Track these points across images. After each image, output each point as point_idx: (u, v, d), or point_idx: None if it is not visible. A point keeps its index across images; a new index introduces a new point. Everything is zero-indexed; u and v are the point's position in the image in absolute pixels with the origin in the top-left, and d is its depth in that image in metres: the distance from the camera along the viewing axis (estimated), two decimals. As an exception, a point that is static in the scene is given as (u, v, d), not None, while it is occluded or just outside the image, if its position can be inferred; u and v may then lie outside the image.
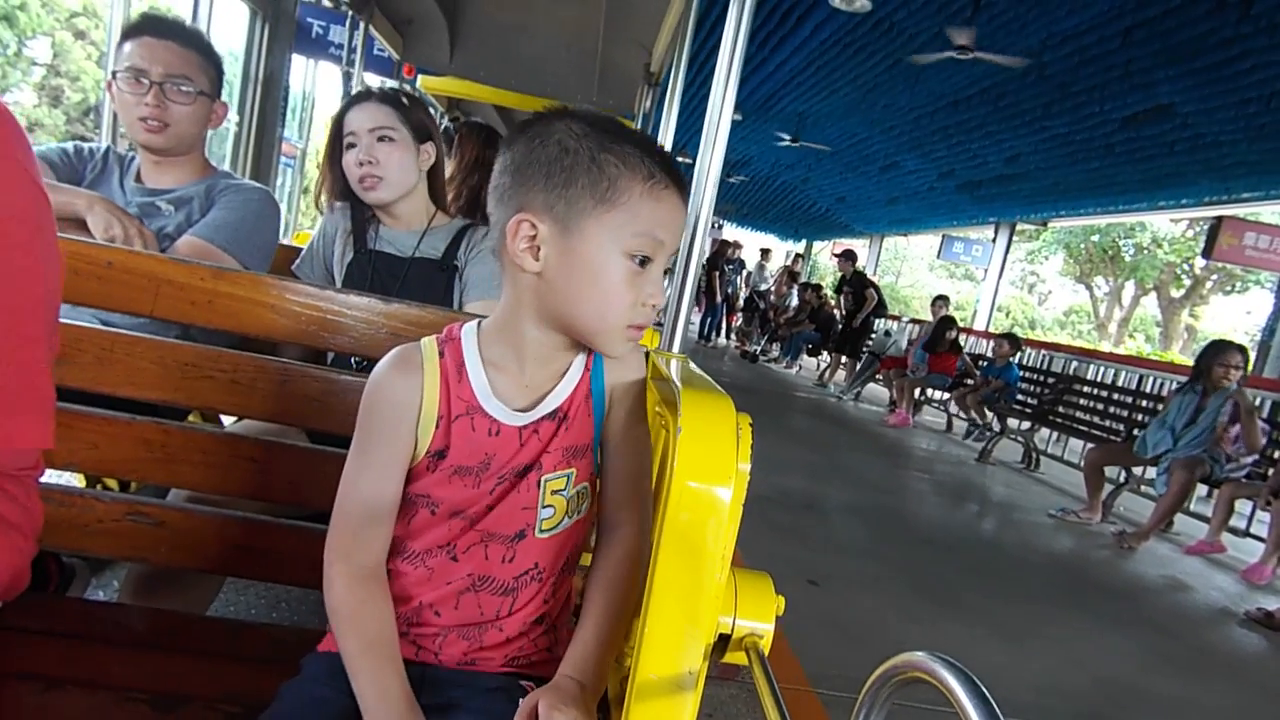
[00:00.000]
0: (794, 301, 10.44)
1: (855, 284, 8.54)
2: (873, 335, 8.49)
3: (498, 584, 0.73)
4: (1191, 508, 4.58)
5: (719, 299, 11.31)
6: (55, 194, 1.17)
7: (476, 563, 0.72)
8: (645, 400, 0.77)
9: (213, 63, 1.35)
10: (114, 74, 1.28)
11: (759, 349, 10.50)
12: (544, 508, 0.72)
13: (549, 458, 0.72)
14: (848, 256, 9.10)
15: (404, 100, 1.45)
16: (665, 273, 0.71)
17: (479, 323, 0.75)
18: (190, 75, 1.31)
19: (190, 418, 1.37)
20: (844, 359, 8.86)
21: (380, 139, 1.39)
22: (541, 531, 0.73)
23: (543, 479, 0.72)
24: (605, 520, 0.77)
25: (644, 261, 0.67)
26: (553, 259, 0.67)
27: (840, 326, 8.76)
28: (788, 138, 9.73)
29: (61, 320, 0.84)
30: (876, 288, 8.65)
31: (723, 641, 0.76)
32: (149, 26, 1.29)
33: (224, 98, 1.41)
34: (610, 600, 0.73)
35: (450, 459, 0.70)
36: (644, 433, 0.77)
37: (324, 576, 0.70)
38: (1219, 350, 4.10)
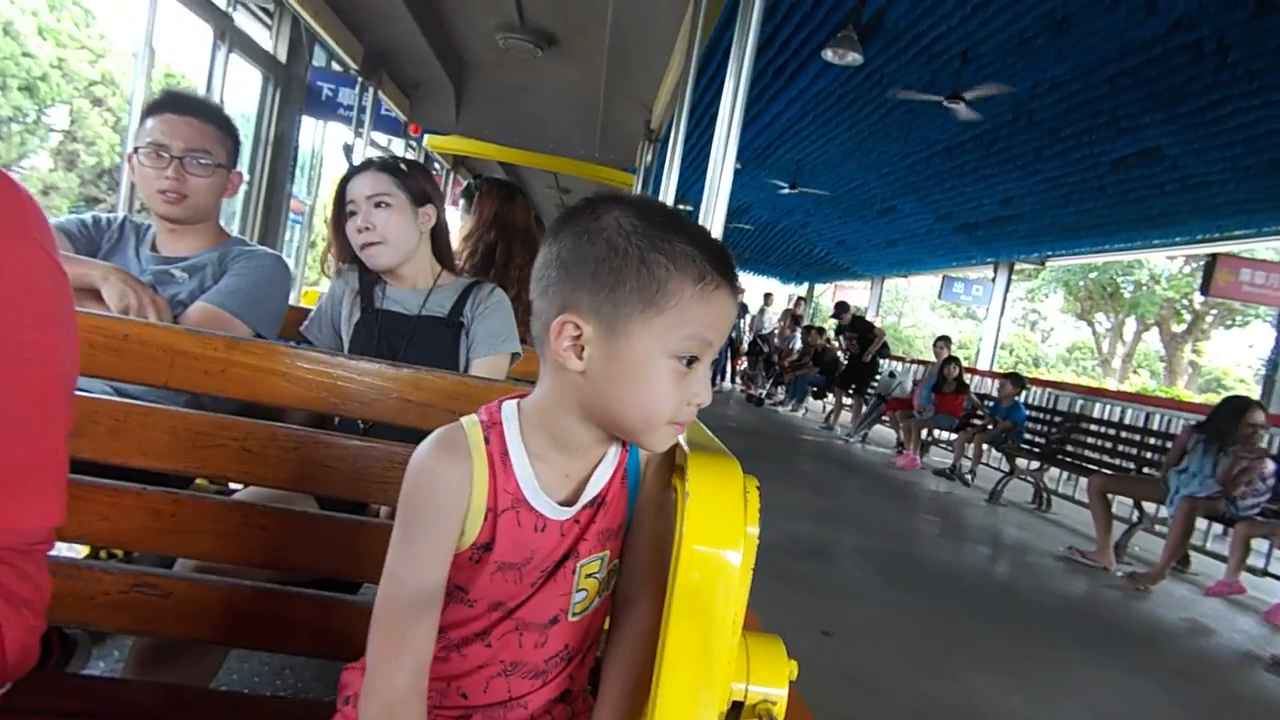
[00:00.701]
0: (797, 344, 10.48)
1: (858, 327, 8.60)
2: (878, 377, 8.49)
3: (529, 668, 0.71)
4: (1208, 546, 4.50)
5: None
6: (72, 266, 1.20)
7: (511, 650, 0.70)
8: (672, 469, 0.76)
9: (230, 135, 1.41)
10: (136, 149, 1.33)
11: (764, 393, 10.49)
12: (578, 591, 0.71)
13: (585, 545, 0.71)
14: (841, 308, 9.18)
15: (402, 167, 1.51)
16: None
17: (518, 405, 0.71)
18: (209, 149, 1.36)
19: (198, 481, 1.38)
20: (848, 400, 8.84)
21: (378, 205, 1.44)
22: (574, 615, 0.72)
23: (579, 565, 0.71)
24: (623, 595, 0.75)
25: (691, 361, 0.65)
26: (597, 360, 0.64)
27: (845, 365, 8.78)
28: (786, 185, 9.91)
29: (75, 392, 0.85)
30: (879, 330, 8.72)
31: (736, 709, 0.75)
32: (171, 103, 1.34)
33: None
34: (627, 682, 0.71)
35: (496, 554, 0.68)
36: (669, 500, 0.75)
37: (363, 686, 0.66)
38: (1243, 409, 3.98)
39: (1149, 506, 4.58)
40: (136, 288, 1.20)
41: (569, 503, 0.70)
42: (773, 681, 0.76)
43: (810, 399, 9.93)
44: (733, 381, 12.15)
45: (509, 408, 0.71)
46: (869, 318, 16.42)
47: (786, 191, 10.12)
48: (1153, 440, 5.21)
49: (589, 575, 0.72)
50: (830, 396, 9.46)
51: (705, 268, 0.64)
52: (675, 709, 0.67)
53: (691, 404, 0.66)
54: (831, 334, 9.99)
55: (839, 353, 9.26)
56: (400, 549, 0.67)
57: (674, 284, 0.63)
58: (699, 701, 0.67)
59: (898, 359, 10.21)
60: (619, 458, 0.73)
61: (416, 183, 1.51)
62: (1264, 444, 3.95)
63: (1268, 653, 3.11)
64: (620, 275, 0.63)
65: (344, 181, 1.50)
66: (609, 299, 0.63)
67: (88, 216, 1.39)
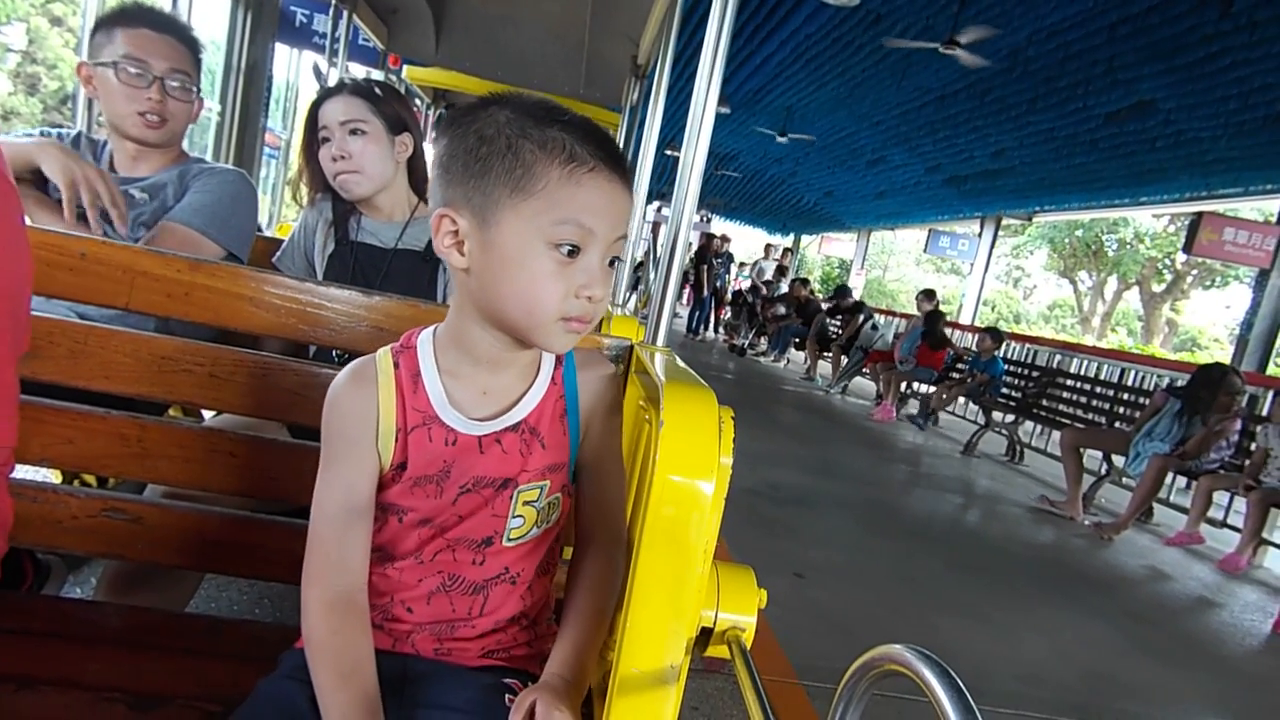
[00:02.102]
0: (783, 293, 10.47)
1: (853, 310, 8.66)
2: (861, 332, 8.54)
3: (468, 584, 0.72)
4: (1171, 499, 4.64)
5: (706, 293, 11.32)
6: (6, 150, 1.14)
7: (445, 564, 0.72)
8: (620, 419, 0.78)
9: (199, 60, 1.36)
10: (114, 63, 1.25)
11: (747, 342, 10.53)
12: (514, 517, 0.72)
13: (526, 476, 0.71)
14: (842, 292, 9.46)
15: (377, 91, 1.44)
16: (612, 262, 0.67)
17: (435, 329, 0.73)
18: (189, 72, 1.31)
19: (171, 412, 1.35)
20: (828, 352, 8.90)
21: (352, 132, 1.38)
22: (509, 540, 0.72)
23: (517, 490, 0.71)
24: (582, 533, 0.77)
25: (573, 251, 0.64)
26: (476, 253, 0.64)
27: (830, 329, 8.85)
28: (776, 132, 9.74)
29: (34, 313, 0.82)
30: (858, 304, 8.78)
31: (705, 635, 0.76)
32: (146, 18, 1.28)
33: (204, 88, 1.40)
34: (592, 600, 0.73)
35: (410, 470, 0.69)
36: (619, 448, 0.78)
37: (302, 606, 0.68)
38: (1220, 379, 4.02)
39: (1118, 459, 4.71)
40: (78, 161, 1.14)
41: (487, 420, 0.71)
42: (742, 609, 0.78)
43: (792, 350, 9.99)
44: (715, 331, 12.17)
45: (426, 331, 0.73)
46: (854, 271, 16.48)
47: (776, 139, 9.95)
48: (1126, 395, 5.31)
49: (526, 502, 0.72)
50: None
51: (576, 149, 0.63)
52: (644, 635, 0.68)
53: (581, 297, 0.65)
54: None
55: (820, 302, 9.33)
56: (322, 475, 0.69)
57: (540, 166, 0.62)
58: (668, 628, 0.68)
59: (883, 312, 10.26)
60: (548, 389, 0.73)
61: (392, 109, 1.44)
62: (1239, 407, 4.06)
63: (1220, 599, 3.25)
64: (488, 163, 0.63)
65: (315, 105, 1.43)
66: (478, 188, 0.63)
67: (37, 131, 1.32)
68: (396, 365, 0.70)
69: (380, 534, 0.72)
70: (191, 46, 1.33)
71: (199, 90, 1.36)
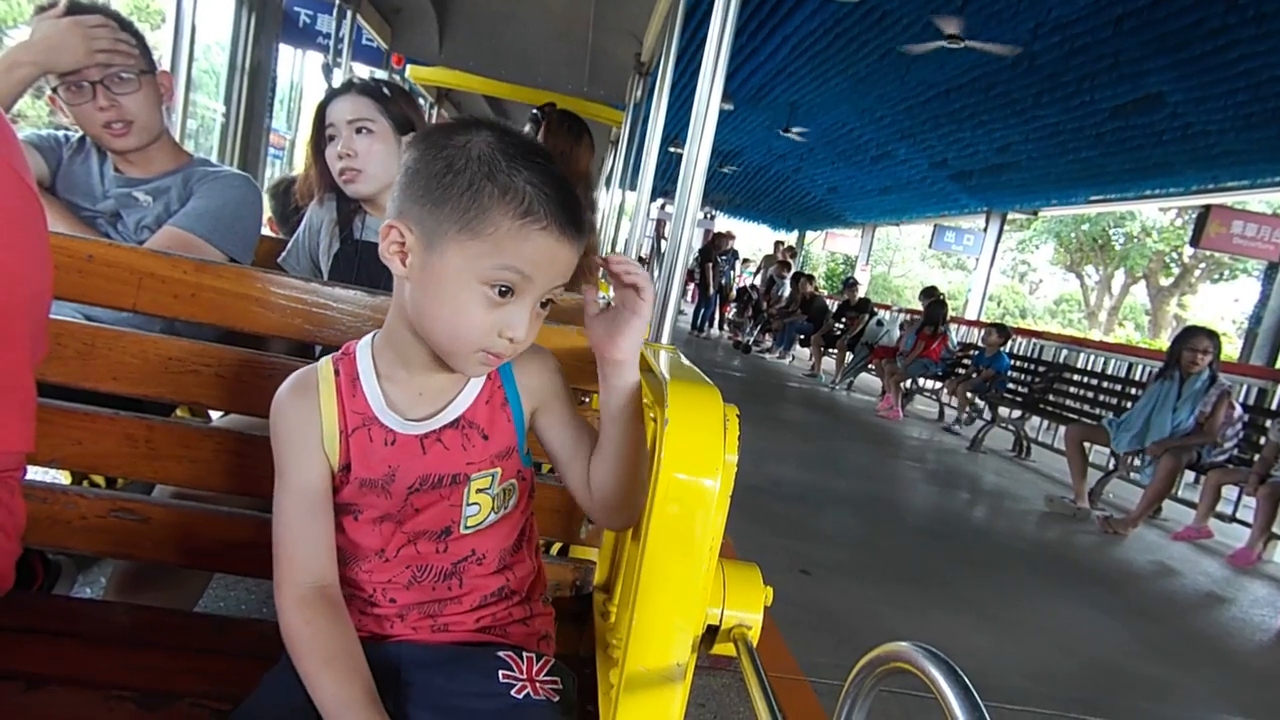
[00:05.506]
0: (786, 291, 10.45)
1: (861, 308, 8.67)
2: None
3: (437, 570, 0.74)
4: (1179, 494, 4.61)
5: (712, 290, 11.31)
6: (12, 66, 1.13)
7: (409, 558, 0.74)
8: (569, 395, 0.78)
9: (133, 34, 1.25)
10: (54, 89, 1.19)
11: (752, 339, 10.52)
12: (469, 505, 0.74)
13: (473, 467, 0.73)
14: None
15: (385, 91, 1.43)
16: (545, 304, 0.69)
17: (373, 335, 0.75)
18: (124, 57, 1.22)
19: (178, 412, 1.36)
20: (829, 349, 8.89)
21: (359, 130, 1.38)
22: (467, 528, 0.74)
23: (469, 480, 0.73)
24: (572, 465, 0.77)
25: (505, 292, 0.65)
26: (416, 269, 0.66)
27: (836, 328, 8.83)
28: (780, 128, 9.71)
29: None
30: (864, 302, 8.78)
31: (711, 633, 0.76)
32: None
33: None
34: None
35: (355, 472, 0.71)
36: (581, 417, 0.80)
37: (277, 607, 0.70)
38: (1188, 335, 4.19)
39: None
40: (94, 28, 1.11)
41: (425, 420, 0.73)
42: (748, 607, 0.78)
43: (797, 346, 9.98)
44: (721, 328, 12.16)
45: (365, 339, 0.76)
46: (859, 267, 16.44)
47: (780, 134, 9.93)
48: (1133, 390, 5.28)
49: (480, 490, 0.74)
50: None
51: (535, 205, 0.64)
52: (651, 634, 0.68)
53: (504, 336, 0.67)
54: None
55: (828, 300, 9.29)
56: (278, 483, 0.72)
57: (495, 214, 0.64)
58: (674, 626, 0.69)
59: (888, 308, 10.23)
60: (484, 385, 0.75)
61: (400, 109, 1.44)
62: (1204, 365, 4.03)
63: (1229, 594, 3.23)
64: (447, 194, 0.64)
65: (323, 104, 1.43)
66: (432, 214, 0.65)
67: (43, 132, 1.32)
68: (337, 372, 0.73)
69: (343, 534, 0.74)
70: (117, 24, 1.22)
71: (151, 66, 1.27)
